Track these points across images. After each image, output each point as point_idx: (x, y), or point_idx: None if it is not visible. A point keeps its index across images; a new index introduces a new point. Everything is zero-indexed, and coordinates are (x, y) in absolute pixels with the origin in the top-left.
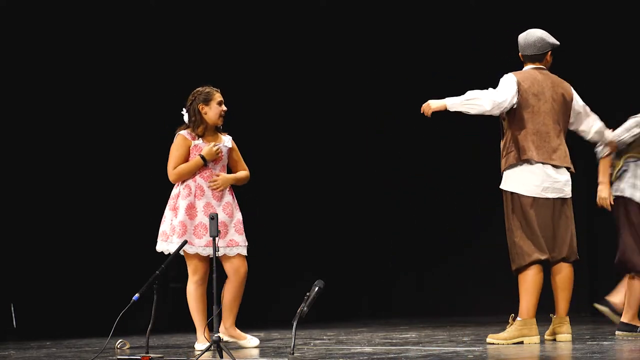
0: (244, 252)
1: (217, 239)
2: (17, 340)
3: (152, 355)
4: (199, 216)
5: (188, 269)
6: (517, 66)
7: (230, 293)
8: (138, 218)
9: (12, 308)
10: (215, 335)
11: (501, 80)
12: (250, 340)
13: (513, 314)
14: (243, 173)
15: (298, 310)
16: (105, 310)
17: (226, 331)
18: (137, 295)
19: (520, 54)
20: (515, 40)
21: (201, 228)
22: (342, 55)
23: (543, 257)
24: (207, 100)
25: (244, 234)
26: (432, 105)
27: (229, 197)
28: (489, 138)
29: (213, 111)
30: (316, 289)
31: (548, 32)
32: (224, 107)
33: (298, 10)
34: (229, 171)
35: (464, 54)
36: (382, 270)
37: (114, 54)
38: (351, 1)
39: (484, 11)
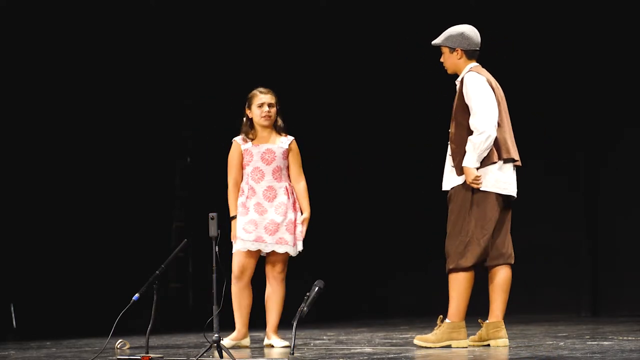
0: (292, 251)
1: (215, 239)
2: (17, 340)
3: (152, 355)
4: (249, 214)
5: (232, 266)
6: (514, 65)
7: (267, 295)
8: (138, 218)
9: (12, 308)
10: (215, 335)
11: (475, 86)
12: (277, 341)
13: (442, 316)
14: (301, 191)
15: (298, 310)
16: (105, 310)
17: (265, 336)
18: (137, 295)
19: (460, 48)
20: (516, 39)
21: (251, 224)
22: (342, 55)
23: (481, 260)
24: (249, 104)
25: (296, 234)
26: (471, 176)
27: (282, 198)
28: None
29: (255, 114)
30: (316, 289)
31: (550, 31)
32: (265, 109)
33: (298, 10)
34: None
35: None
36: (382, 270)
37: (114, 54)
38: (351, 1)
39: (484, 11)
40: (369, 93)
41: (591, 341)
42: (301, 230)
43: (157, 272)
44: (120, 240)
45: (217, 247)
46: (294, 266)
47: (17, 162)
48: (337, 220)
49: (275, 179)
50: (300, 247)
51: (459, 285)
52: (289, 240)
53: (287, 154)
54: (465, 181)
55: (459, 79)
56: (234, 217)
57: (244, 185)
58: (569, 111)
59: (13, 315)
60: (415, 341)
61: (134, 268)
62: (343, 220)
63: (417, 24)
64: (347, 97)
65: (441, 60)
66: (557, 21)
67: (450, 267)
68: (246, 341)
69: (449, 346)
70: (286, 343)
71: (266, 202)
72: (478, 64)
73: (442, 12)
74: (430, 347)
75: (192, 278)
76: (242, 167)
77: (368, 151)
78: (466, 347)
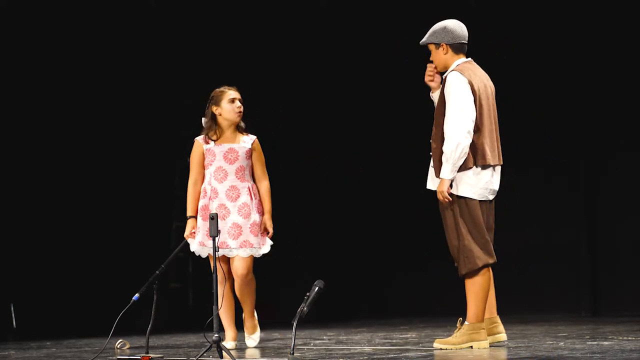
0: (257, 254)
1: (217, 239)
2: (17, 340)
3: (152, 355)
4: None
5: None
6: (514, 65)
7: (237, 293)
8: (138, 218)
9: (12, 308)
10: (215, 335)
11: (454, 88)
12: (249, 340)
13: (461, 318)
14: (263, 191)
15: (298, 310)
16: (105, 310)
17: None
18: (137, 295)
19: (446, 43)
20: (516, 39)
21: None
22: (341, 55)
23: (491, 261)
24: (218, 101)
25: (264, 238)
26: (444, 190)
27: (245, 198)
28: None
29: (225, 110)
30: (316, 289)
31: (551, 32)
32: (237, 104)
33: (298, 10)
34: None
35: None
36: (382, 270)
37: (114, 54)
38: (351, 1)
39: (484, 11)
40: (370, 93)
41: (591, 341)
42: (269, 234)
43: (157, 272)
44: (120, 240)
45: (217, 246)
46: (294, 266)
47: (18, 162)
48: (337, 220)
49: (239, 178)
50: (265, 250)
51: (474, 288)
52: (254, 242)
53: (250, 153)
54: (453, 187)
55: (444, 76)
56: (191, 217)
57: (206, 185)
58: (569, 112)
59: (13, 315)
60: (435, 344)
61: (134, 268)
62: (343, 220)
63: (417, 24)
64: (348, 97)
65: (431, 59)
66: (557, 21)
67: (463, 272)
68: (231, 344)
69: (470, 347)
70: (256, 343)
71: (229, 203)
72: (467, 59)
73: (443, 11)
74: (451, 349)
75: (192, 278)
76: (203, 168)
77: (368, 151)
78: (487, 348)
